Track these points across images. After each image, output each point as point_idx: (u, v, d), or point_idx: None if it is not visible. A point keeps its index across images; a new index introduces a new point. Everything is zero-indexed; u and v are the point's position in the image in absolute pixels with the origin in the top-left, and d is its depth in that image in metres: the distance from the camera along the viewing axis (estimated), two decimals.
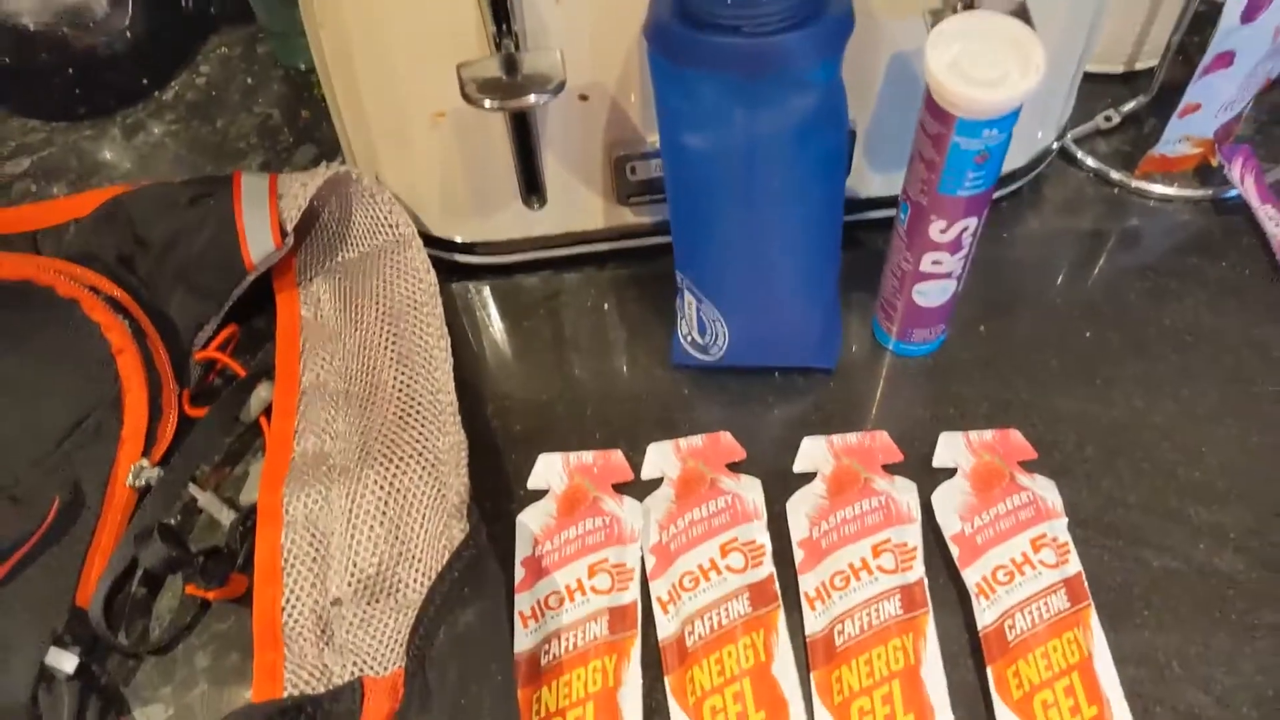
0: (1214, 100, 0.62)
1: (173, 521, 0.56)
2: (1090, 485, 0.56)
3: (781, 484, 0.56)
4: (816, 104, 0.48)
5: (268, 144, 0.72)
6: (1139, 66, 0.72)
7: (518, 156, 0.58)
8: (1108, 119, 0.70)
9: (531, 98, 0.50)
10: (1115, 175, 0.68)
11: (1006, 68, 0.45)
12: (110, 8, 0.71)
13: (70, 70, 0.72)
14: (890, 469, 0.56)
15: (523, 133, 0.56)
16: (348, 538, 0.52)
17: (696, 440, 0.57)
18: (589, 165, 0.59)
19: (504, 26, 0.50)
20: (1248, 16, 0.56)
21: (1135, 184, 0.67)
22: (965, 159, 0.48)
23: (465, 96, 0.50)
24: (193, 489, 0.57)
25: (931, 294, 0.56)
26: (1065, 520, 0.54)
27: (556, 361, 0.62)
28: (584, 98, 0.56)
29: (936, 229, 0.51)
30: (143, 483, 0.56)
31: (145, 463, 0.56)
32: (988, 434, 0.57)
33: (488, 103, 0.50)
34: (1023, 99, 0.45)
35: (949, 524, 0.54)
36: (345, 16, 0.53)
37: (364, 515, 0.53)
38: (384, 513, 0.53)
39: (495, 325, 0.64)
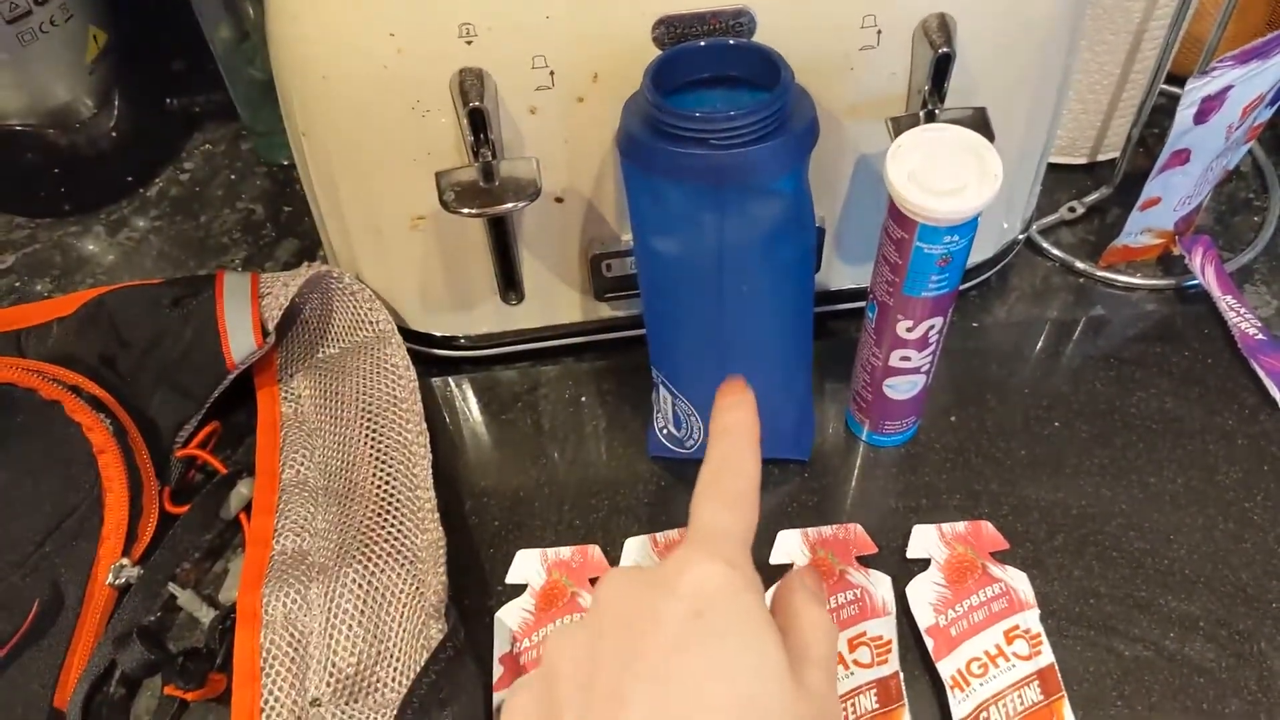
0: (1173, 195, 0.64)
1: (152, 619, 0.57)
2: (1061, 575, 0.56)
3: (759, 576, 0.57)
4: (783, 210, 0.49)
5: (250, 239, 0.74)
6: (1101, 157, 0.75)
7: (495, 256, 0.59)
8: (1072, 210, 0.72)
9: (509, 204, 0.52)
10: (1080, 265, 0.69)
11: (965, 178, 0.47)
12: (96, 108, 0.72)
13: (56, 169, 0.73)
14: (865, 561, 0.57)
15: (500, 235, 0.58)
16: (326, 637, 0.53)
17: (673, 534, 0.58)
18: (565, 263, 0.61)
19: (481, 136, 0.51)
20: (1200, 118, 0.58)
21: (1100, 273, 0.69)
22: (928, 262, 0.49)
23: (444, 204, 0.51)
24: (172, 587, 0.57)
25: (901, 388, 0.57)
26: (1037, 611, 0.54)
27: (535, 454, 0.62)
28: (559, 200, 0.57)
29: (903, 327, 0.53)
30: (122, 581, 0.56)
31: (125, 561, 0.57)
32: (960, 526, 0.58)
33: (466, 210, 0.51)
34: (981, 207, 0.46)
35: (924, 617, 0.54)
36: (325, 127, 0.54)
37: (343, 614, 0.53)
38: (362, 612, 0.53)
39: (474, 418, 0.65)
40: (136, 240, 0.74)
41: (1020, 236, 0.68)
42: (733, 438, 0.42)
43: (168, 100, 0.80)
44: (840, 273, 0.64)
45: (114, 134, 0.74)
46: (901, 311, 0.52)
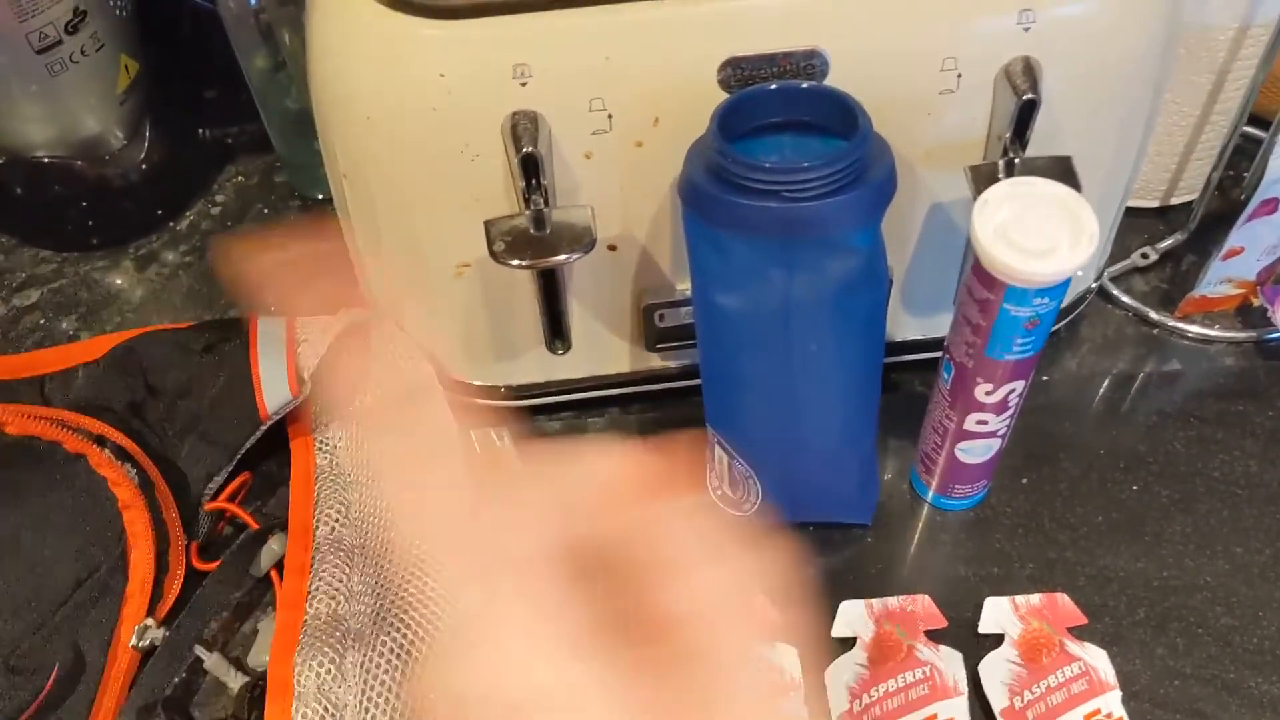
0: (1257, 245, 0.60)
1: (178, 680, 0.54)
2: (1143, 654, 0.53)
3: (819, 649, 0.53)
4: (856, 266, 0.46)
5: None
6: (1175, 201, 0.71)
7: (543, 305, 0.56)
8: (1145, 256, 0.68)
9: (562, 256, 0.49)
10: (1154, 315, 0.66)
11: (1058, 237, 0.43)
12: (126, 140, 0.70)
13: (84, 202, 0.71)
14: (933, 635, 0.53)
15: (549, 284, 0.55)
16: (362, 711, 0.49)
17: None
18: (616, 313, 0.58)
19: (534, 182, 0.48)
20: None
21: (1175, 324, 0.65)
22: (1014, 325, 0.46)
23: (493, 255, 0.48)
24: (199, 650, 0.54)
25: (975, 451, 0.54)
26: (1119, 693, 0.51)
27: None
28: (613, 248, 0.54)
29: (982, 391, 0.49)
30: (147, 643, 0.54)
31: (150, 622, 0.54)
32: (1035, 598, 0.54)
33: (516, 262, 0.48)
34: (1076, 269, 0.43)
35: (998, 698, 0.51)
36: (368, 169, 0.51)
37: (378, 685, 0.50)
38: (399, 684, 0.50)
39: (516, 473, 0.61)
40: (166, 276, 0.72)
41: (1094, 285, 0.65)
42: None
43: (200, 131, 0.77)
44: (905, 324, 0.61)
45: (144, 166, 0.72)
46: (981, 374, 0.49)
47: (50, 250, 0.73)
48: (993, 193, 0.45)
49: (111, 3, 0.65)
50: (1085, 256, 0.43)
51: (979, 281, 0.45)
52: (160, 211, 0.74)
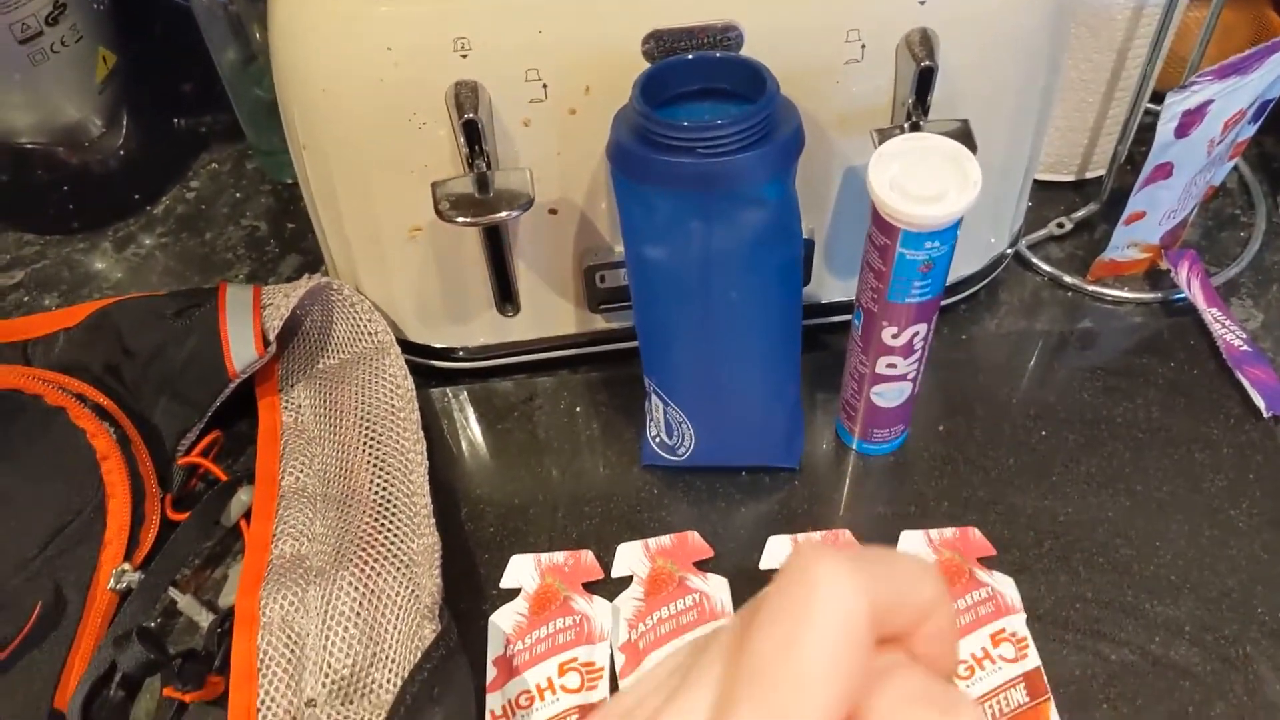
0: (1157, 209, 0.65)
1: (152, 624, 0.58)
2: (1048, 581, 0.57)
3: (748, 582, 0.57)
4: (769, 218, 0.50)
5: (254, 255, 0.75)
6: (1089, 174, 0.76)
7: (491, 267, 0.60)
8: (1060, 226, 0.73)
9: (503, 214, 0.53)
10: (1069, 279, 0.70)
11: (945, 185, 0.48)
12: (105, 128, 0.74)
13: (65, 187, 0.75)
14: None
15: (495, 245, 0.59)
16: (323, 639, 0.53)
17: (665, 540, 0.59)
18: (560, 274, 0.62)
19: (476, 148, 0.52)
20: (1181, 132, 0.59)
21: (1088, 287, 0.70)
22: (911, 268, 0.50)
23: (439, 213, 0.53)
24: (173, 592, 0.58)
25: (889, 395, 0.58)
26: (1023, 615, 0.55)
27: (530, 464, 0.63)
28: (553, 211, 0.58)
29: (889, 334, 0.54)
30: (124, 586, 0.57)
31: (127, 566, 0.58)
32: (948, 532, 0.58)
33: (461, 219, 0.53)
34: (961, 212, 0.48)
35: None
36: (325, 139, 0.56)
37: (339, 616, 0.54)
38: (358, 614, 0.54)
39: (471, 429, 0.66)
40: (143, 256, 0.76)
41: (1008, 251, 0.69)
42: None
43: (176, 120, 0.82)
44: (830, 286, 0.65)
45: (122, 153, 0.76)
46: (886, 318, 0.53)
47: (33, 233, 0.77)
48: (887, 148, 0.50)
49: None
50: (970, 200, 0.47)
51: (877, 228, 0.50)
52: (137, 196, 0.78)
